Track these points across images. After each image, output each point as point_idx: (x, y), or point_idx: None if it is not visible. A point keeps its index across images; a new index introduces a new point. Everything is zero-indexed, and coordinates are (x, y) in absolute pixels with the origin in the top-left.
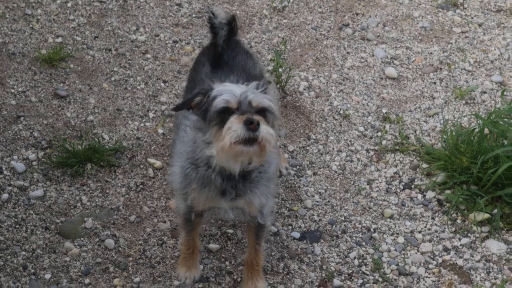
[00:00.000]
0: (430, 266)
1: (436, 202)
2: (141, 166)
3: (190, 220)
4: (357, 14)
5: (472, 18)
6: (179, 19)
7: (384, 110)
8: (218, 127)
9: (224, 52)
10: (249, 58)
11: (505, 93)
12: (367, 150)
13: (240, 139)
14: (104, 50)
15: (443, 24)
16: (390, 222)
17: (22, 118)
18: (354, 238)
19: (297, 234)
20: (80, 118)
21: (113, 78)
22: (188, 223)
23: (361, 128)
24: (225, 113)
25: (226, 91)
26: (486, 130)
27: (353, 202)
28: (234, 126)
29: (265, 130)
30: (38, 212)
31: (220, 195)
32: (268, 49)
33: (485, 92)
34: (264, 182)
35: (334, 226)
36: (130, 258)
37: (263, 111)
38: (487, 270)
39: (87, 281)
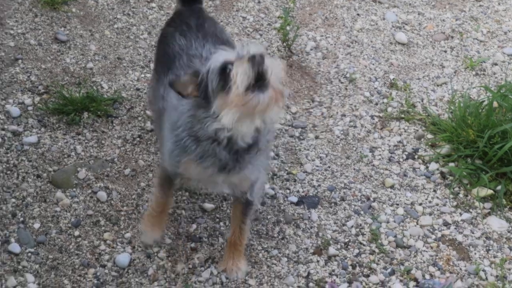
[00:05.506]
0: (429, 240)
1: (439, 175)
2: (139, 118)
3: (172, 182)
4: None
5: None
6: None
7: (391, 76)
8: (223, 91)
9: None
10: (216, 24)
11: None
12: (372, 117)
13: (251, 82)
14: None
15: None
16: (391, 192)
17: (20, 60)
18: (353, 206)
19: (294, 199)
20: (80, 64)
21: (115, 26)
22: (169, 183)
23: (367, 93)
24: (226, 71)
25: (220, 53)
26: (495, 104)
27: (354, 169)
28: (240, 70)
29: (269, 61)
30: (30, 159)
31: (219, 169)
32: (276, 5)
33: (496, 64)
34: (263, 155)
35: (333, 192)
36: (122, 213)
37: None
38: (487, 247)
39: (76, 233)
